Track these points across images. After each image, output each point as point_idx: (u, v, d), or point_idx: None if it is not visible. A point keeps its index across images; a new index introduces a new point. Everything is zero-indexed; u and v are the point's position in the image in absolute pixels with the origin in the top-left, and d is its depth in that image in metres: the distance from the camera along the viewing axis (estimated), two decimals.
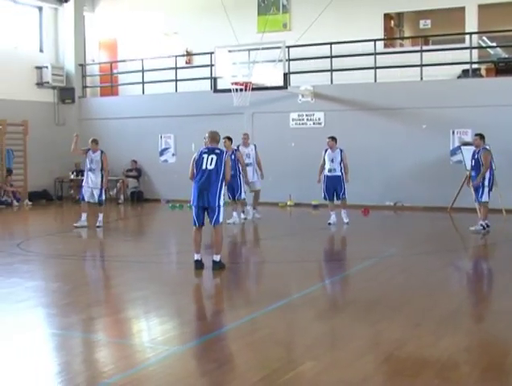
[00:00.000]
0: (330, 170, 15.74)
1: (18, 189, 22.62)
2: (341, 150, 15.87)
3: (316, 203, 19.10)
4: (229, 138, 15.82)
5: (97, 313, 8.39)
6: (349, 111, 20.35)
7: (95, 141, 15.93)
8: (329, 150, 15.82)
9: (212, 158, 10.39)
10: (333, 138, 15.93)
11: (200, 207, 10.46)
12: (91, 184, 15.68)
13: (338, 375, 5.81)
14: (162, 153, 23.05)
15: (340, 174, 15.75)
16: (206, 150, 10.52)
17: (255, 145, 16.91)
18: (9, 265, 11.50)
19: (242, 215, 16.62)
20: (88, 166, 15.76)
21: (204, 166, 10.39)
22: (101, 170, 15.72)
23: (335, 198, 15.94)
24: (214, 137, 10.74)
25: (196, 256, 10.56)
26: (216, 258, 10.56)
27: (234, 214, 16.32)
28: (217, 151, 10.51)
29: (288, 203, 20.60)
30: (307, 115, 20.84)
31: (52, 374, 6.03)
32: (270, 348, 6.76)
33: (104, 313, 8.44)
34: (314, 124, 20.65)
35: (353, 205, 18.08)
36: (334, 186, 15.77)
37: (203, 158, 10.41)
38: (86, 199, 15.71)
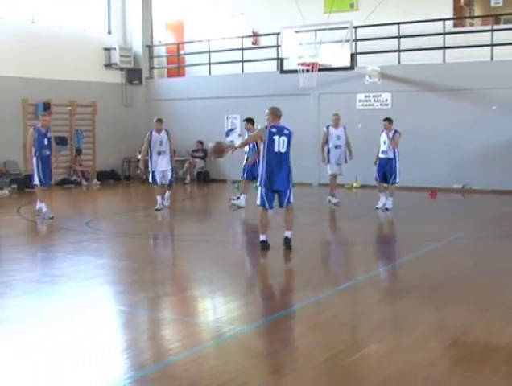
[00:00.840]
0: (382, 152, 15.46)
1: (86, 169, 23.07)
2: (395, 131, 15.49)
3: None
4: (250, 120, 15.91)
5: (163, 291, 8.50)
6: (417, 92, 20.04)
7: (160, 121, 15.60)
8: (384, 132, 15.48)
9: (283, 141, 10.28)
10: (389, 120, 15.63)
11: (271, 190, 10.41)
12: (163, 167, 15.38)
13: (403, 359, 5.76)
14: (228, 133, 23.08)
15: (392, 156, 15.42)
16: (275, 131, 10.33)
17: (345, 127, 16.57)
18: (78, 243, 11.73)
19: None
20: (158, 148, 15.33)
21: (276, 149, 10.24)
22: (170, 150, 15.51)
23: (386, 180, 15.49)
24: (276, 113, 10.54)
25: (262, 237, 10.54)
26: (289, 234, 10.53)
27: (242, 196, 15.90)
28: (286, 132, 10.37)
29: (354, 184, 20.46)
30: (374, 96, 20.61)
31: (119, 350, 6.13)
32: (334, 330, 6.74)
33: (170, 291, 8.56)
34: (381, 105, 20.42)
35: (420, 187, 17.85)
36: (384, 169, 15.50)
37: (274, 140, 10.25)
38: (159, 182, 15.45)
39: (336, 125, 16.36)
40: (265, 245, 10.53)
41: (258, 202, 10.55)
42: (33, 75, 21.24)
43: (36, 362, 5.80)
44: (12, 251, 11.26)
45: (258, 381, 5.31)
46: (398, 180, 15.39)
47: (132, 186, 23.12)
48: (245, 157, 15.85)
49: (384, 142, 15.35)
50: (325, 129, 16.39)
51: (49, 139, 14.41)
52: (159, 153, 15.35)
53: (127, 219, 15.21)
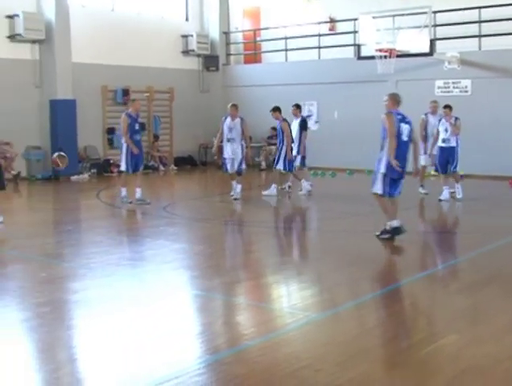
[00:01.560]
0: (444, 141, 15.00)
1: (164, 154, 23.37)
2: (456, 118, 15.03)
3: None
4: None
5: (238, 276, 8.56)
6: (498, 78, 19.50)
7: (235, 106, 15.02)
8: (443, 119, 15.03)
9: (407, 129, 10.08)
10: (450, 107, 15.04)
11: (395, 179, 10.12)
12: (231, 154, 15.00)
13: (483, 350, 5.65)
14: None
15: (454, 144, 14.81)
16: (401, 118, 10.09)
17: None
18: (156, 228, 11.91)
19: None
20: (228, 135, 14.99)
21: (405, 138, 10.03)
22: (242, 139, 15.03)
23: (446, 170, 14.84)
24: (396, 98, 10.25)
25: (396, 223, 10.23)
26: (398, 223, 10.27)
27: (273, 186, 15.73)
28: (408, 120, 10.17)
29: (432, 172, 20.11)
30: (453, 83, 20.17)
31: (194, 334, 6.21)
32: (412, 319, 6.67)
33: (245, 277, 8.61)
34: (460, 92, 19.97)
35: (500, 176, 17.45)
36: (446, 158, 14.94)
37: (401, 127, 9.98)
38: (230, 170, 15.12)
39: (434, 113, 15.68)
40: (400, 230, 10.23)
41: (380, 191, 10.23)
42: (112, 62, 21.60)
43: (116, 343, 5.93)
44: (92, 234, 11.54)
45: (333, 369, 5.28)
46: (458, 168, 14.91)
47: (208, 171, 23.30)
48: (284, 148, 15.54)
49: (445, 130, 14.90)
50: (424, 116, 15.73)
51: (140, 124, 14.59)
52: (228, 140, 15.01)
53: (203, 204, 15.34)
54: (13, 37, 19.36)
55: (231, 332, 6.34)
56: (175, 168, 23.13)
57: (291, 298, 7.63)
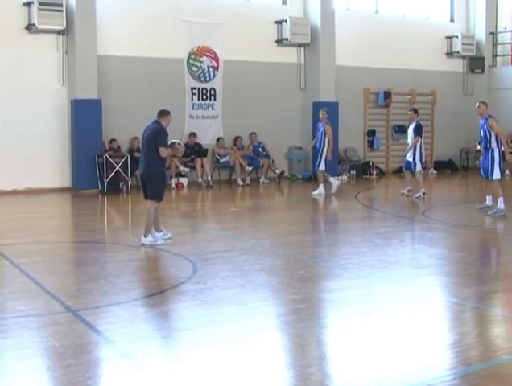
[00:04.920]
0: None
1: (425, 158, 23.01)
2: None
3: None
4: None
5: (498, 286, 8.22)
6: None
7: (484, 103, 13.76)
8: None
9: None
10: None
11: None
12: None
13: None
14: None
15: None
16: None
17: None
18: (413, 232, 11.79)
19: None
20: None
21: None
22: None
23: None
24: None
25: None
26: None
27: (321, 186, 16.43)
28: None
29: None
30: None
31: (447, 343, 6.05)
32: None
33: (505, 287, 8.22)
34: None
35: None
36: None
37: None
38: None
39: None
40: None
41: None
42: (375, 65, 21.72)
43: (368, 344, 5.94)
44: (349, 235, 11.68)
45: None
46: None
47: (469, 177, 22.57)
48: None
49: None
50: None
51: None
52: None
53: (464, 210, 14.87)
54: (280, 41, 20.17)
55: (487, 344, 6.08)
56: (435, 172, 22.70)
57: None
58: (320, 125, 16.57)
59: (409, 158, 16.11)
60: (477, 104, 13.67)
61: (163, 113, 10.25)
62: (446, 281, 8.43)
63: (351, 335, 6.19)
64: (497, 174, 13.13)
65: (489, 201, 13.59)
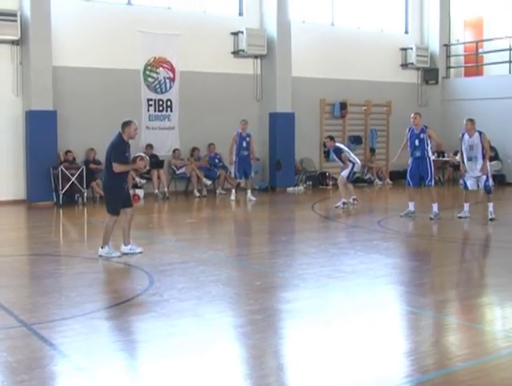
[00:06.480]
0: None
1: (380, 168, 23.24)
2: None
3: None
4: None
5: (452, 295, 8.31)
6: None
7: (471, 121, 13.97)
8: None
9: None
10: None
11: None
12: (476, 173, 13.96)
13: None
14: None
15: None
16: None
17: None
18: (369, 242, 11.87)
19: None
20: (467, 154, 13.94)
21: None
22: (483, 155, 13.79)
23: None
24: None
25: None
26: None
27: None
28: None
29: None
30: None
31: (403, 351, 6.10)
32: None
33: (459, 296, 8.33)
34: None
35: None
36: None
37: None
38: (470, 187, 14.21)
39: None
40: None
41: None
42: (331, 76, 21.91)
43: (325, 354, 5.97)
44: (306, 245, 11.72)
45: None
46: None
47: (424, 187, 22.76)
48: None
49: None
50: None
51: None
52: (470, 159, 13.98)
53: (418, 219, 15.01)
54: (237, 53, 20.23)
55: (442, 352, 6.15)
56: (390, 182, 22.92)
57: (507, 321, 7.27)
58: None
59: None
60: (413, 115, 14.61)
61: (124, 124, 10.11)
62: (401, 290, 8.52)
63: (308, 346, 6.21)
64: (432, 181, 14.54)
65: (435, 207, 14.44)
